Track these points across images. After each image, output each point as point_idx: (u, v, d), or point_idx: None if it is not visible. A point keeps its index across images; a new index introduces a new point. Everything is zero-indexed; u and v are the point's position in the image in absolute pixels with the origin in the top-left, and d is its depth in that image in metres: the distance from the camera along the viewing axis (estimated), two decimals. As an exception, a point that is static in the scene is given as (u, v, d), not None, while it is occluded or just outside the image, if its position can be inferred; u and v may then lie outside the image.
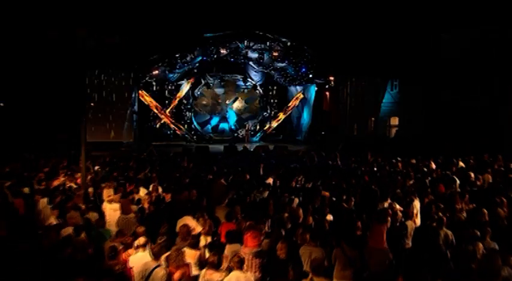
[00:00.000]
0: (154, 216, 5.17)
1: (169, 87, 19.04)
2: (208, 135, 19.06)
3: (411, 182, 6.98)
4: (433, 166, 8.87)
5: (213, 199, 6.03)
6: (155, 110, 17.26)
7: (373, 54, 14.57)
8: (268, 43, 15.06)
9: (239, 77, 19.09)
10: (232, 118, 20.08)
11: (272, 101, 21.19)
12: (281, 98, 21.13)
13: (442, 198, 5.65)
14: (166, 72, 14.91)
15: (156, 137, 17.82)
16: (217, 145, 16.38)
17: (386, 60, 14.59)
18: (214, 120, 19.79)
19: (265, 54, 16.17)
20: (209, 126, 19.54)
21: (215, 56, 15.82)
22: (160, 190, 6.54)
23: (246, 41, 14.88)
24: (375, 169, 8.67)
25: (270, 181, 7.21)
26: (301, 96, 19.54)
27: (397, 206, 5.17)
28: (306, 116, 19.41)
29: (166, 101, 18.59)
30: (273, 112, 20.68)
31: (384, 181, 6.87)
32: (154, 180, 7.04)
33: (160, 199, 5.98)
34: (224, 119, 19.86)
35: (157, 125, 18.13)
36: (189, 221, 4.86)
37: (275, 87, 21.17)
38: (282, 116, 19.92)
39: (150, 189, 6.36)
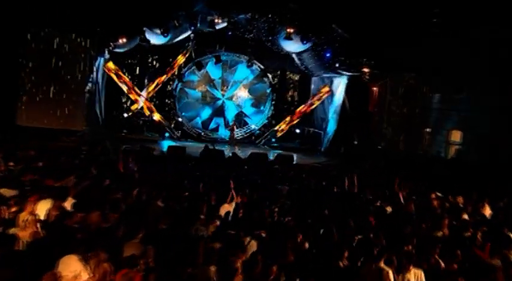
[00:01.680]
0: (32, 250, 4.57)
1: (152, 63, 18.85)
2: (196, 132, 18.79)
3: (439, 234, 6.09)
4: (487, 212, 7.86)
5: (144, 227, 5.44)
6: (125, 88, 16.92)
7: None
8: (278, 18, 14.47)
9: (243, 58, 18.73)
10: (231, 112, 19.73)
11: (288, 93, 20.62)
12: (302, 90, 20.63)
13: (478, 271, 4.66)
14: (146, 42, 14.50)
15: (129, 127, 17.70)
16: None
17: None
18: (206, 113, 19.43)
19: (281, 30, 15.57)
20: (198, 120, 19.23)
21: (210, 29, 15.31)
22: (68, 206, 5.99)
23: (247, 13, 14.36)
24: (396, 206, 7.78)
25: (228, 208, 6.55)
26: (327, 90, 18.79)
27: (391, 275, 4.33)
28: (331, 118, 18.69)
29: (146, 82, 18.36)
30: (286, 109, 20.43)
31: (395, 227, 6.01)
32: (71, 191, 6.51)
33: (58, 221, 5.39)
34: (219, 112, 19.59)
35: (130, 113, 17.79)
36: (73, 263, 4.23)
37: (294, 76, 20.72)
38: (298, 114, 19.47)
39: (51, 206, 5.80)
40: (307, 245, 5.31)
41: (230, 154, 13.89)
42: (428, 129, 18.11)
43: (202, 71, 18.68)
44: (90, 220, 5.57)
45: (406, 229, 5.99)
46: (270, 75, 19.46)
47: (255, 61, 18.69)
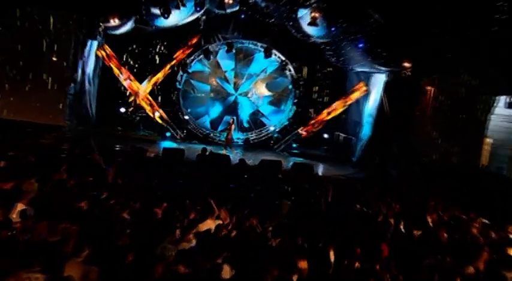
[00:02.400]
0: None
1: (158, 49, 18.94)
2: (203, 132, 18.89)
3: (470, 270, 5.68)
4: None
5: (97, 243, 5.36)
6: (121, 78, 17.07)
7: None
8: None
9: (260, 46, 18.62)
10: (246, 109, 19.75)
11: (315, 90, 20.69)
12: (333, 87, 20.54)
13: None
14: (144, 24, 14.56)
15: (125, 124, 17.99)
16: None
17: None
18: (215, 111, 19.43)
19: (303, 14, 15.31)
20: (207, 119, 19.22)
21: (221, 10, 15.25)
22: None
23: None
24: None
25: (211, 225, 6.34)
26: (363, 88, 18.39)
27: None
28: (366, 122, 18.37)
29: (147, 73, 18.47)
30: (312, 110, 20.30)
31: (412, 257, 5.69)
32: (23, 196, 6.49)
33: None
34: (231, 110, 19.61)
35: (128, 109, 17.95)
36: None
37: (324, 70, 20.52)
38: (325, 116, 19.10)
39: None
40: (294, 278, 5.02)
41: (237, 160, 13.62)
42: (489, 140, 17.33)
43: (211, 60, 18.70)
44: (36, 231, 5.50)
45: (427, 260, 5.60)
46: (292, 68, 19.22)
47: (275, 50, 18.55)
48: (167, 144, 16.76)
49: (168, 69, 18.08)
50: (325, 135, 20.05)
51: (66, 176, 8.16)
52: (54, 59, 14.30)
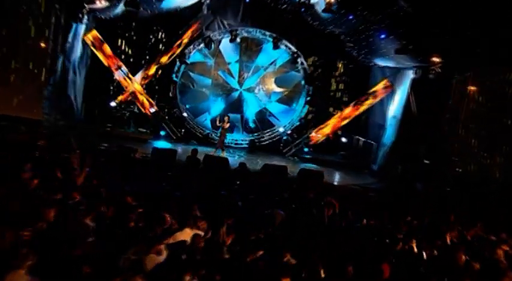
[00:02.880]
0: None
1: (157, 37, 19.07)
2: (202, 131, 19.02)
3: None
4: None
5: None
6: (113, 68, 17.18)
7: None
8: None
9: (268, 34, 18.57)
10: (252, 107, 19.80)
11: (333, 87, 20.60)
12: (353, 84, 20.53)
13: None
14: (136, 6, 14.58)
15: (116, 121, 18.11)
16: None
17: None
18: (217, 108, 19.47)
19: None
20: (207, 117, 19.32)
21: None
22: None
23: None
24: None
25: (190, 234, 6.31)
26: (388, 85, 18.23)
27: None
28: (390, 125, 18.18)
29: (144, 64, 18.58)
30: (332, 109, 20.31)
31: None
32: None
33: None
34: (235, 107, 19.70)
35: (117, 102, 18.00)
36: None
37: (341, 64, 20.62)
38: (345, 116, 19.09)
39: None
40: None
41: (237, 165, 13.66)
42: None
43: (213, 50, 18.75)
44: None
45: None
46: (305, 62, 19.19)
47: (285, 41, 18.52)
48: (160, 144, 16.75)
49: (167, 60, 18.14)
50: (343, 139, 19.86)
51: (29, 176, 8.13)
52: (32, 43, 14.33)
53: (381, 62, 18.25)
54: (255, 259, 5.85)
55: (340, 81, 20.96)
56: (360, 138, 19.70)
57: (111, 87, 18.67)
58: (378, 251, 6.65)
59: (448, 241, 7.74)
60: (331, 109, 20.39)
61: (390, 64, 17.83)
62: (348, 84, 20.93)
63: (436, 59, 15.41)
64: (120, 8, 14.75)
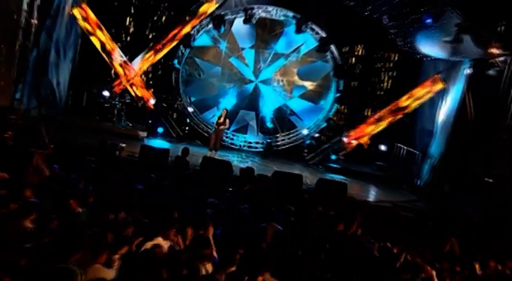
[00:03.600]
0: None
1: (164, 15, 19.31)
2: (208, 130, 19.00)
3: None
4: None
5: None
6: (107, 51, 17.39)
7: None
8: None
9: (291, 15, 18.62)
10: (269, 103, 19.96)
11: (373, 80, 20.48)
12: (398, 79, 20.46)
13: None
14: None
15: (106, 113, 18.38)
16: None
17: None
18: (228, 103, 19.53)
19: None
20: (216, 113, 19.13)
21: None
22: None
23: None
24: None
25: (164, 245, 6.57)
26: (439, 83, 18.12)
27: None
28: (439, 132, 18.01)
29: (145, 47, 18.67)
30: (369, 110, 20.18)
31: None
32: None
33: None
34: (249, 102, 19.96)
35: (112, 91, 18.25)
36: None
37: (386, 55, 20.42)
38: (385, 120, 18.90)
39: None
40: None
41: (240, 168, 13.93)
42: None
43: (223, 32, 18.91)
44: None
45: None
46: (335, 50, 19.15)
47: (312, 23, 18.51)
48: (156, 143, 16.89)
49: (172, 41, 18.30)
50: (382, 147, 19.71)
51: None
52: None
53: (431, 53, 18.18)
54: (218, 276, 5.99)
55: (381, 76, 20.97)
56: (403, 146, 19.48)
57: (105, 74, 18.89)
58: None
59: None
60: (367, 110, 20.41)
61: (442, 56, 17.73)
62: (392, 80, 20.91)
63: (494, 51, 15.23)
64: None
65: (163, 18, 19.39)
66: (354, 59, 20.39)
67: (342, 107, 20.16)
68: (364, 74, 20.61)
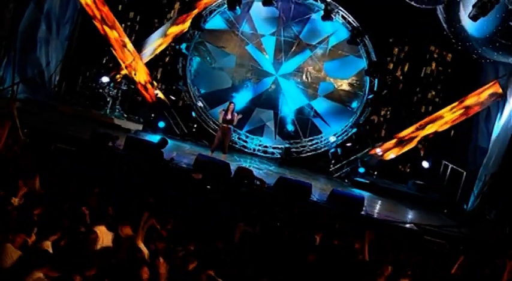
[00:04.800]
0: None
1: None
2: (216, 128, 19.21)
3: None
4: None
5: None
6: (111, 38, 18.02)
7: None
8: None
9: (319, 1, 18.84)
10: (291, 102, 20.23)
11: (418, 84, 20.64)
12: (452, 85, 20.65)
13: None
14: None
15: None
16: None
17: None
18: (243, 98, 19.98)
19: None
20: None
21: None
22: None
23: None
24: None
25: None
26: (497, 90, 18.18)
27: None
28: (494, 150, 18.08)
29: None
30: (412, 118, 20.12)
31: None
32: None
33: None
34: (267, 99, 20.20)
35: (112, 78, 18.84)
36: None
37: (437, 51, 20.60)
38: (430, 129, 19.06)
39: None
40: None
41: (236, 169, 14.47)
42: None
43: (240, 15, 19.27)
44: None
45: None
46: (370, 43, 19.28)
47: (343, 10, 18.72)
48: (154, 138, 17.21)
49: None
50: (425, 164, 19.73)
51: None
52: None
53: (489, 55, 18.07)
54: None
55: (429, 78, 20.95)
56: (450, 164, 19.47)
57: (107, 58, 19.64)
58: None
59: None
60: (410, 117, 20.30)
61: (502, 58, 17.68)
62: (443, 83, 21.02)
63: None
64: None
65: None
66: (396, 56, 20.53)
67: (377, 111, 20.30)
68: (408, 74, 20.68)
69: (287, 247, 8.94)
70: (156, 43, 18.85)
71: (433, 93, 21.06)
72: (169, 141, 17.26)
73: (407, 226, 14.97)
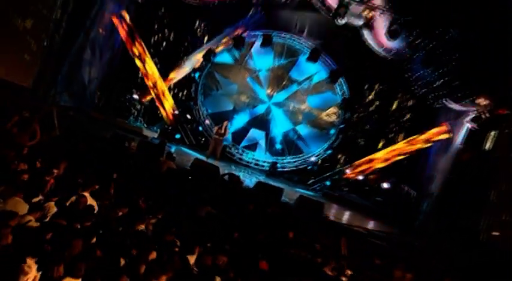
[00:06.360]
0: None
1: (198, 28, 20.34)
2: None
3: None
4: None
5: None
6: (138, 62, 18.68)
7: None
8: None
9: (304, 43, 19.32)
10: (280, 126, 20.57)
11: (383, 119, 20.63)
12: (412, 121, 20.54)
13: None
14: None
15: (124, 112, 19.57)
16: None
17: None
18: (241, 120, 20.49)
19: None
20: (229, 128, 19.94)
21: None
22: None
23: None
24: None
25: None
26: (444, 131, 18.62)
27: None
28: (438, 178, 18.41)
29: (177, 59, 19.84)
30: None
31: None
32: None
33: None
34: (260, 122, 20.62)
35: (140, 96, 19.49)
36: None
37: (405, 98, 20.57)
38: (388, 160, 19.28)
39: None
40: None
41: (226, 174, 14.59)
42: None
43: (243, 52, 19.86)
44: None
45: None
46: (345, 84, 19.79)
47: (326, 55, 19.19)
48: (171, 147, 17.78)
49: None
50: (384, 185, 19.82)
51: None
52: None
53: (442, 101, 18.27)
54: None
55: (393, 115, 20.85)
56: (406, 187, 19.56)
57: (139, 81, 20.05)
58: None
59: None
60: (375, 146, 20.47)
61: (452, 105, 17.90)
62: (404, 122, 20.89)
63: (481, 102, 15.57)
64: None
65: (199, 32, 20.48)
66: (368, 96, 20.59)
67: (348, 139, 20.44)
68: (376, 111, 20.70)
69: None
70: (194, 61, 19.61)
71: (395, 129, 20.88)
72: (184, 149, 18.31)
73: (356, 229, 15.00)
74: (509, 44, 14.29)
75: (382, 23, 15.92)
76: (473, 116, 16.90)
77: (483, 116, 16.44)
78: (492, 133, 16.64)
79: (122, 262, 6.21)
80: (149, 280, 5.84)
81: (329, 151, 20.29)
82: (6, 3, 15.79)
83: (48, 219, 6.84)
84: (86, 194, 7.92)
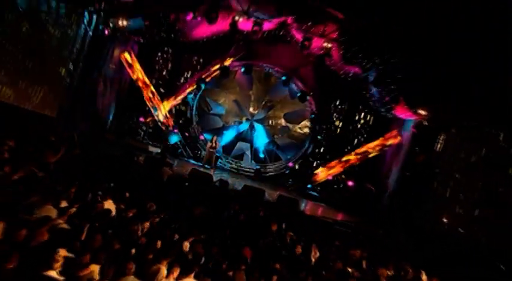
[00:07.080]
0: None
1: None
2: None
3: None
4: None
5: None
6: (145, 91, 19.33)
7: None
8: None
9: (278, 70, 19.74)
10: (261, 138, 21.06)
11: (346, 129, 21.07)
12: (370, 131, 20.84)
13: None
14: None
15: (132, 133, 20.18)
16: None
17: None
18: (229, 135, 21.03)
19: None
20: (220, 142, 20.51)
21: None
22: None
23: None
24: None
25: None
26: (395, 136, 18.97)
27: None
28: (394, 175, 18.72)
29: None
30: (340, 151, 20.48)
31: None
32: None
33: None
34: (245, 136, 21.21)
35: (146, 120, 20.04)
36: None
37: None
38: (349, 161, 19.67)
39: None
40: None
41: (217, 180, 15.14)
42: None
43: (228, 79, 20.42)
44: None
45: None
46: (313, 102, 20.07)
47: (296, 80, 19.66)
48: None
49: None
50: (350, 183, 20.20)
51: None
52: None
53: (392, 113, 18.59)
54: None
55: (355, 126, 21.14)
56: (370, 186, 19.70)
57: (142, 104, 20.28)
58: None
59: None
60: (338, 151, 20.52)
61: (400, 115, 18.27)
62: (365, 130, 21.19)
63: (421, 112, 16.13)
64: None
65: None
66: (333, 111, 20.86)
67: (318, 147, 20.74)
68: (341, 123, 21.01)
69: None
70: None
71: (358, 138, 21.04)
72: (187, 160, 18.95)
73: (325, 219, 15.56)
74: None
75: (338, 52, 16.47)
76: (416, 122, 17.39)
77: (424, 123, 16.88)
78: (441, 137, 17.04)
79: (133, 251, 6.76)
80: (154, 264, 6.44)
81: (303, 158, 20.61)
82: (44, 51, 16.67)
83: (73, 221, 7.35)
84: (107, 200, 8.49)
